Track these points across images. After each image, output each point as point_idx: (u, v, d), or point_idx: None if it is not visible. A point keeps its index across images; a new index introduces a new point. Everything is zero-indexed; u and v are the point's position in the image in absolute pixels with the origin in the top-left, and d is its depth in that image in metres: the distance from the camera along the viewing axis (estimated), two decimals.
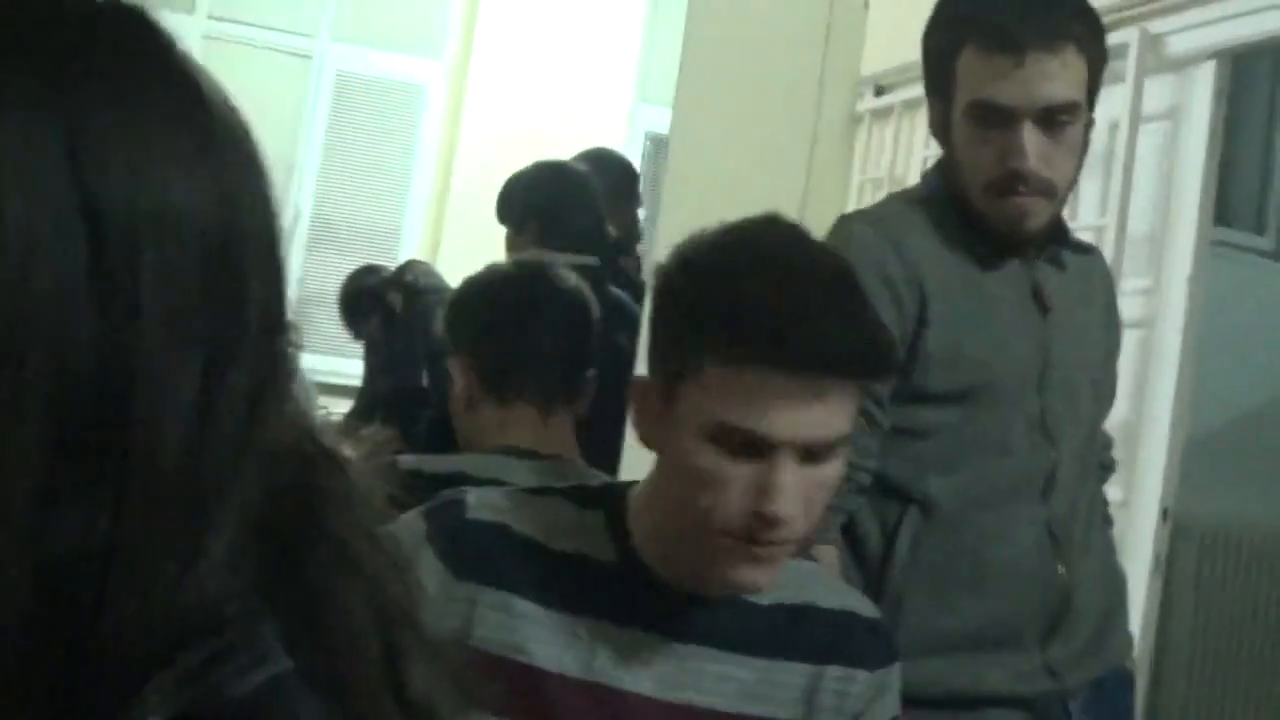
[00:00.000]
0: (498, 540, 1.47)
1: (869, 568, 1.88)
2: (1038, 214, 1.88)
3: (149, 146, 0.57)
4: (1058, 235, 1.99)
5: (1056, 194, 1.88)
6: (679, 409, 1.38)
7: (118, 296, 0.55)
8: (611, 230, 3.50)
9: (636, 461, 1.55)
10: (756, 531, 1.36)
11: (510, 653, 1.44)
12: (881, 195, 4.50)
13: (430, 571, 1.44)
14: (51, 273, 0.53)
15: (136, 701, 0.55)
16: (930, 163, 4.22)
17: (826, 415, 1.34)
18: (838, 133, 2.86)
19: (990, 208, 1.87)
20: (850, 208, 4.57)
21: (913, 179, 4.35)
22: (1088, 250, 2.12)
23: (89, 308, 0.54)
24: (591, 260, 3.23)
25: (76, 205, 0.54)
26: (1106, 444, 2.15)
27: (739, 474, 1.35)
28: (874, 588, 1.84)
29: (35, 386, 0.53)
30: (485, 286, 2.19)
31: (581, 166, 3.66)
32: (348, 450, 0.67)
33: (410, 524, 1.48)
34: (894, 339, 1.44)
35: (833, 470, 1.39)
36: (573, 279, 2.21)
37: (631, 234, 3.85)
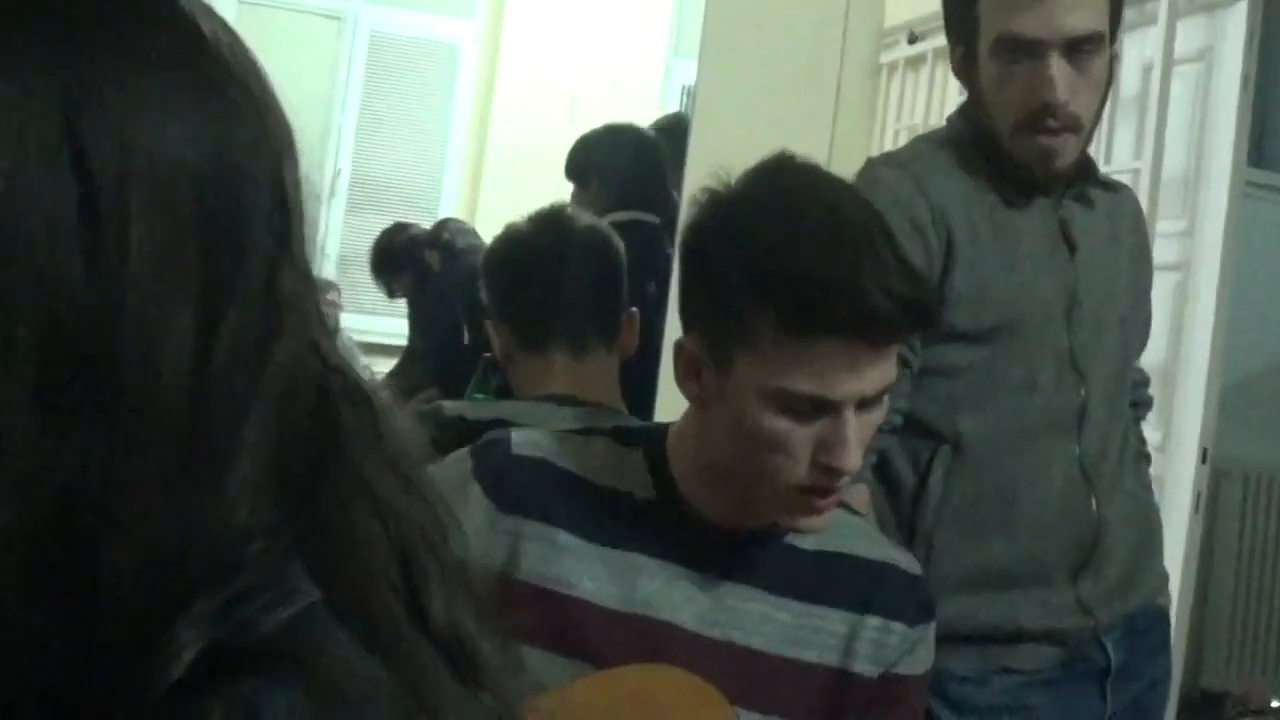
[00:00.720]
0: (541, 475, 1.50)
1: (901, 507, 1.90)
2: (1067, 152, 1.89)
3: (143, 94, 0.58)
4: (1086, 173, 2.00)
5: (1083, 129, 1.90)
6: (735, 375, 1.40)
7: (107, 242, 0.56)
8: (676, 194, 3.53)
9: (670, 406, 1.58)
10: (823, 482, 1.40)
11: (553, 584, 1.47)
12: None
13: (476, 507, 1.47)
14: (41, 220, 0.55)
15: (168, 639, 0.58)
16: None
17: (884, 369, 1.39)
18: (861, 81, 2.87)
19: (1020, 147, 1.88)
20: (877, 150, 4.57)
21: None
22: (1116, 188, 2.12)
23: (79, 253, 0.56)
24: (651, 218, 3.27)
25: (67, 154, 0.56)
26: (1141, 381, 2.17)
27: (803, 434, 1.39)
28: (906, 526, 1.88)
29: (27, 329, 0.55)
30: (501, 247, 2.24)
31: (649, 132, 3.70)
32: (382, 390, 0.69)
33: (457, 462, 1.52)
34: (934, 288, 1.47)
35: (882, 410, 1.44)
36: (586, 219, 2.24)
37: None
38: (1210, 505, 4.36)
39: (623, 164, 3.39)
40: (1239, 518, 4.59)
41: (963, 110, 1.99)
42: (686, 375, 1.47)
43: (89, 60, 0.57)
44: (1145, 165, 3.05)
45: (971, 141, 1.93)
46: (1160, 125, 3.05)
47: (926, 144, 2.04)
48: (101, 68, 0.57)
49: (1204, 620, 4.46)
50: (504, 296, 2.17)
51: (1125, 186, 2.20)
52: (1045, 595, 1.90)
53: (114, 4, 0.60)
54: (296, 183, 0.65)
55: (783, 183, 1.45)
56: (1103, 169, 3.42)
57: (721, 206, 1.44)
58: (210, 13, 0.63)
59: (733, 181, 1.44)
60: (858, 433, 1.38)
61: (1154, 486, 3.10)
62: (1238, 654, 4.56)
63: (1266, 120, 4.09)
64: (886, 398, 1.43)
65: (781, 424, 1.38)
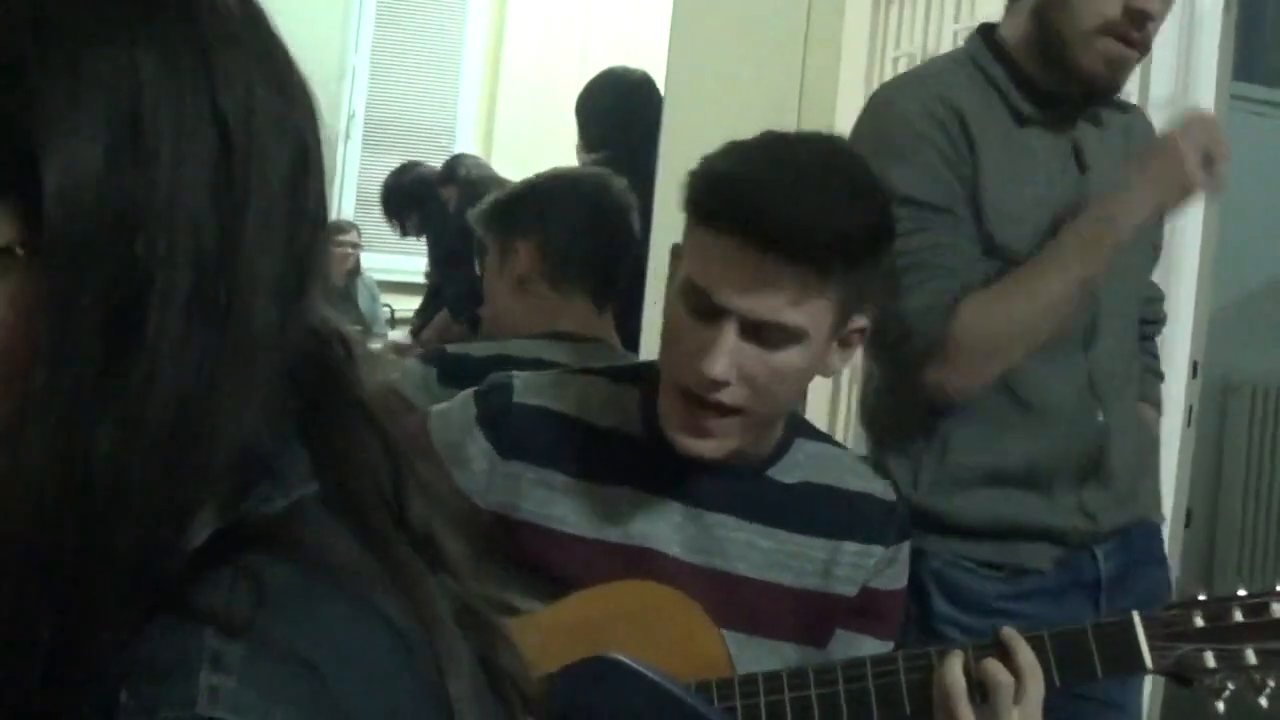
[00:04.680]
0: (541, 421, 1.59)
1: (919, 406, 1.95)
2: (1129, 69, 1.94)
3: (254, 75, 0.72)
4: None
5: (1147, 53, 1.95)
6: (677, 273, 1.51)
7: (233, 194, 0.70)
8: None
9: (654, 343, 1.65)
10: (695, 387, 1.47)
11: (554, 524, 1.57)
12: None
13: (479, 449, 1.58)
14: (193, 175, 0.69)
15: (189, 522, 0.70)
16: (961, 36, 4.26)
17: (774, 297, 1.42)
18: (830, 13, 2.91)
19: (1092, 50, 1.88)
20: (877, 81, 4.60)
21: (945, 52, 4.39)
22: (1127, 109, 2.15)
23: (213, 203, 0.69)
24: (604, 155, 3.38)
25: (209, 121, 0.69)
26: (1155, 298, 2.22)
27: (693, 332, 1.46)
28: (925, 424, 1.94)
29: (181, 259, 0.68)
30: (568, 181, 2.34)
31: (637, 75, 3.78)
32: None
33: (462, 406, 1.62)
34: (855, 236, 1.47)
35: (787, 360, 1.46)
36: (624, 184, 2.33)
37: None
38: (1219, 421, 4.42)
39: (604, 105, 3.51)
40: (1247, 432, 4.64)
41: (982, 30, 2.03)
42: (668, 281, 1.56)
43: (218, 49, 0.71)
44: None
45: (990, 59, 1.97)
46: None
47: (942, 62, 2.09)
48: (226, 53, 0.71)
49: (1214, 534, 4.53)
50: (552, 228, 2.25)
51: (1136, 107, 2.22)
52: (1051, 496, 1.96)
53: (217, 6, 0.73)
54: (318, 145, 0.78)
55: (776, 132, 1.53)
56: None
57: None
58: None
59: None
60: (734, 350, 1.43)
61: None
62: (1248, 566, 4.62)
63: (1252, 34, 4.10)
64: (798, 355, 1.46)
65: (679, 315, 1.48)
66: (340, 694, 0.68)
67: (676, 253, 1.55)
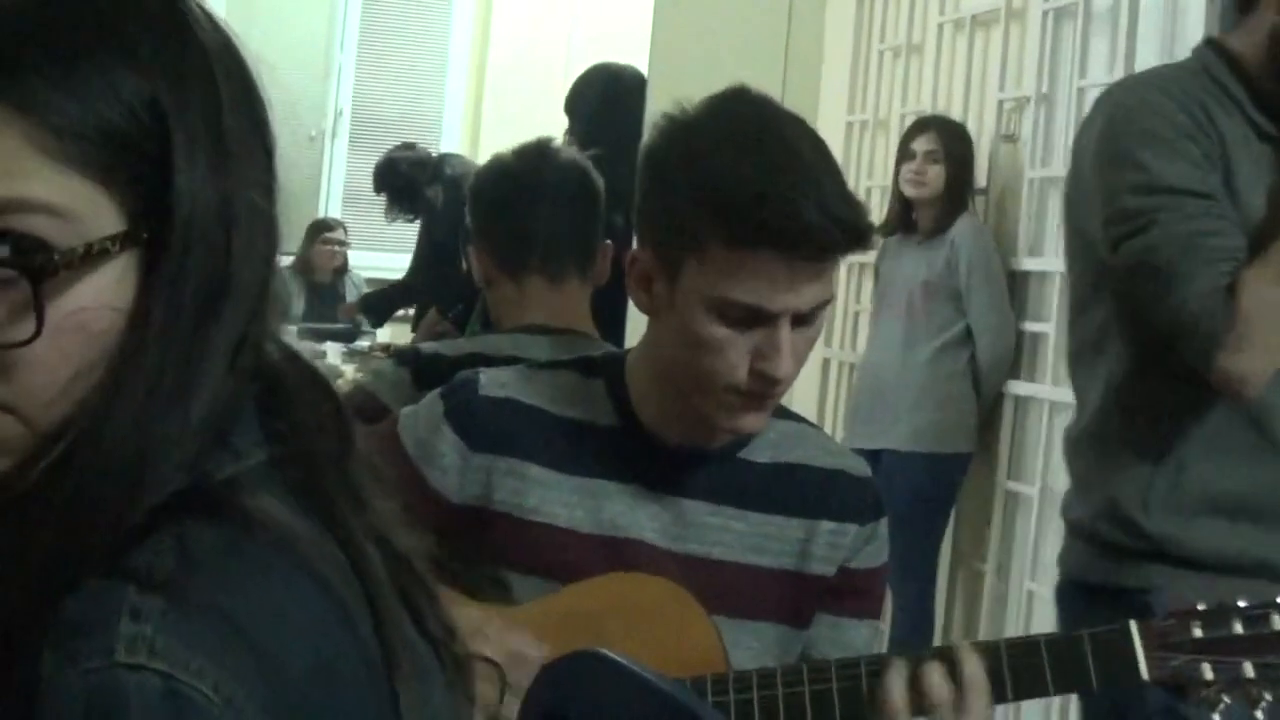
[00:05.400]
0: (508, 413, 1.59)
1: (1153, 426, 1.92)
2: None
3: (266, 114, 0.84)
4: None
5: None
6: (682, 283, 1.49)
7: (272, 192, 0.82)
8: None
9: (639, 331, 1.65)
10: (758, 388, 1.49)
11: (528, 514, 1.57)
12: (900, 63, 4.55)
13: (449, 445, 1.58)
14: (254, 178, 0.80)
15: (154, 484, 0.74)
16: (946, 29, 4.27)
17: (818, 287, 1.47)
18: (815, 5, 2.91)
19: None
20: (862, 74, 4.61)
21: (930, 46, 4.39)
22: None
23: (266, 200, 0.81)
24: (594, 152, 3.39)
25: (254, 130, 0.81)
26: None
27: (741, 342, 1.47)
28: (1159, 449, 1.90)
29: (255, 251, 0.79)
30: (486, 176, 2.34)
31: (627, 70, 3.80)
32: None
33: (430, 404, 1.62)
34: (861, 210, 1.52)
35: (818, 328, 1.52)
36: (571, 154, 2.34)
37: None
38: None
39: (594, 102, 3.53)
40: None
41: (1212, 42, 2.00)
42: (638, 285, 1.55)
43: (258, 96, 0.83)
44: (1121, 77, 3.09)
45: (1225, 71, 1.93)
46: (1131, 39, 3.09)
47: (1172, 71, 2.04)
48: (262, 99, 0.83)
49: None
50: (486, 223, 2.26)
51: None
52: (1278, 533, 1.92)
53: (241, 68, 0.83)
54: None
55: (736, 111, 1.53)
56: (1079, 83, 3.48)
57: (678, 131, 1.52)
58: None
59: (690, 109, 1.52)
60: (791, 344, 1.47)
61: None
62: None
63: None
64: (822, 316, 1.51)
65: (721, 331, 1.47)
66: (265, 646, 0.71)
67: (652, 265, 1.53)
